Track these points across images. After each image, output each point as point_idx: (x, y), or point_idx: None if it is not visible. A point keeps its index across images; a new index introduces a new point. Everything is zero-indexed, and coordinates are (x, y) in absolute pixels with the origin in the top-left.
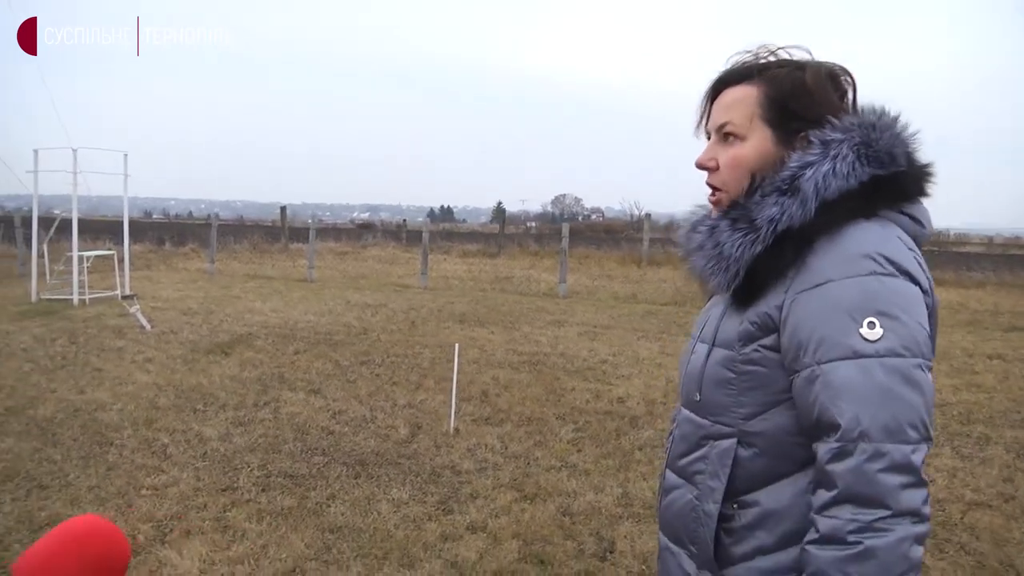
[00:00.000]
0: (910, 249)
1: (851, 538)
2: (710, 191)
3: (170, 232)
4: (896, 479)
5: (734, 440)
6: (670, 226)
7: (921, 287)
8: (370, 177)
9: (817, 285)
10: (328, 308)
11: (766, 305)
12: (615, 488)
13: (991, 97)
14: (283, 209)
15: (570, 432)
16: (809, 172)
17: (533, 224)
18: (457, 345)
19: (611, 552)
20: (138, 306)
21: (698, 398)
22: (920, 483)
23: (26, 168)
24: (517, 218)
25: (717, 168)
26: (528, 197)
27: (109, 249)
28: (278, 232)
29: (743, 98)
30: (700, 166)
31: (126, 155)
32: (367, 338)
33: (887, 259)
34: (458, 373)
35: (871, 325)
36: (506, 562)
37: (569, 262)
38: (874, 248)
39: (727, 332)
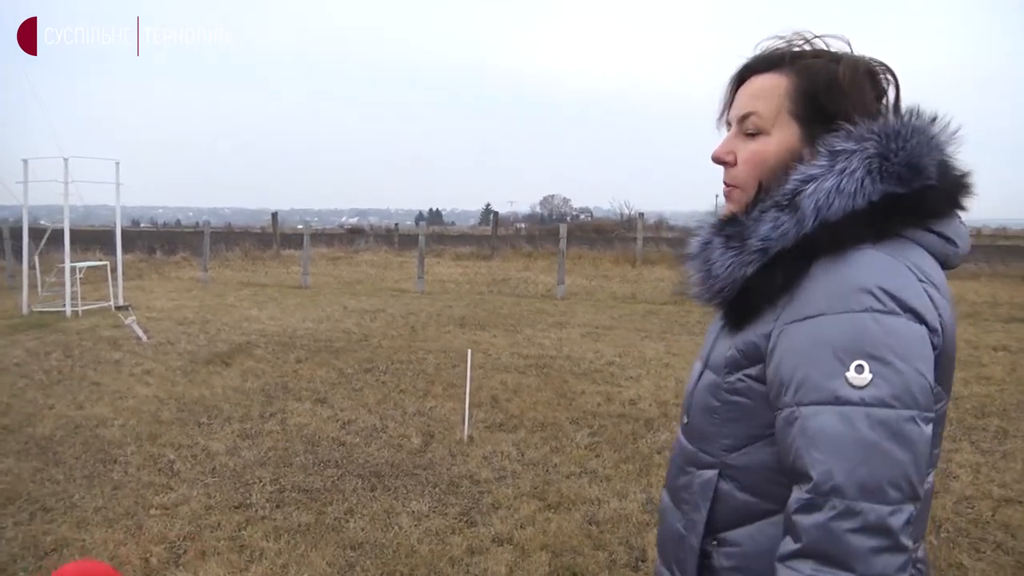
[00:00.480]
0: (922, 280)
1: None
2: (725, 186)
3: (160, 241)
4: (868, 542)
5: (716, 472)
6: (660, 225)
7: (928, 326)
8: (357, 182)
9: (807, 317)
10: (326, 315)
11: (754, 332)
12: (639, 494)
13: (990, 96)
14: (274, 215)
15: (586, 437)
16: (811, 187)
17: (523, 225)
18: (470, 351)
19: (643, 561)
20: (133, 317)
21: (687, 421)
22: (898, 548)
23: (15, 179)
24: (506, 219)
25: (735, 163)
26: (516, 199)
27: (100, 259)
28: (269, 238)
29: (771, 88)
30: (717, 160)
31: (118, 164)
32: (368, 345)
33: (888, 294)
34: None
35: (859, 369)
36: None
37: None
38: (874, 281)
39: (717, 356)
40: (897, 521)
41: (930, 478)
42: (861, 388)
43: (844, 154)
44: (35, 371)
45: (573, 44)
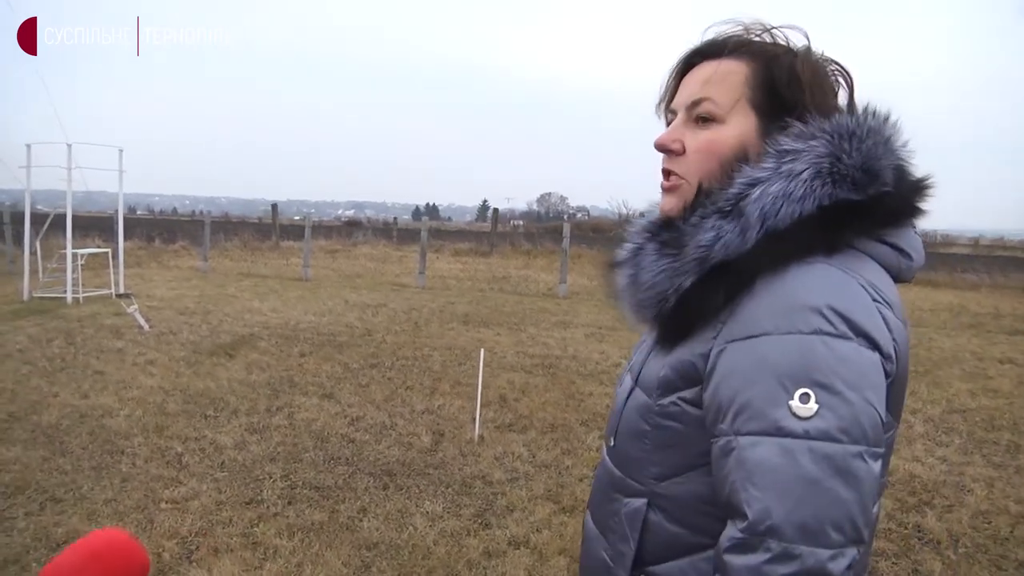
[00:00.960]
0: (875, 300)
1: None
2: (664, 177)
3: (158, 229)
4: None
5: (645, 501)
6: None
7: (882, 352)
8: (355, 174)
9: (750, 336)
10: (328, 308)
11: (691, 351)
12: None
13: (990, 99)
14: (274, 206)
15: (596, 439)
16: (756, 192)
17: (520, 223)
18: (483, 351)
19: None
20: (135, 305)
21: (613, 444)
22: None
23: (18, 163)
24: (503, 216)
25: (683, 152)
26: (513, 195)
27: (99, 246)
28: (267, 229)
29: (729, 74)
30: (661, 147)
31: (121, 151)
32: (372, 340)
33: (840, 315)
34: (472, 376)
35: (804, 398)
36: None
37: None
38: (825, 300)
39: (649, 374)
40: (838, 567)
41: (875, 508)
42: (806, 419)
43: (791, 154)
44: (38, 358)
45: (573, 44)
